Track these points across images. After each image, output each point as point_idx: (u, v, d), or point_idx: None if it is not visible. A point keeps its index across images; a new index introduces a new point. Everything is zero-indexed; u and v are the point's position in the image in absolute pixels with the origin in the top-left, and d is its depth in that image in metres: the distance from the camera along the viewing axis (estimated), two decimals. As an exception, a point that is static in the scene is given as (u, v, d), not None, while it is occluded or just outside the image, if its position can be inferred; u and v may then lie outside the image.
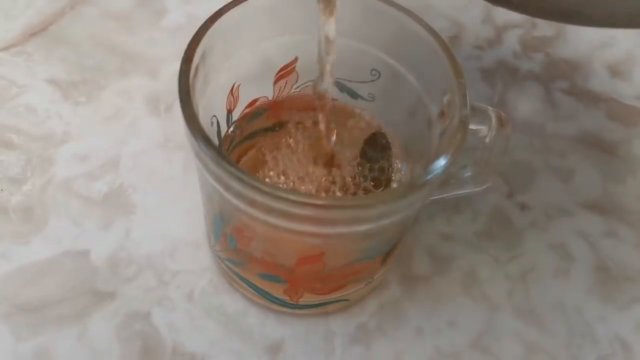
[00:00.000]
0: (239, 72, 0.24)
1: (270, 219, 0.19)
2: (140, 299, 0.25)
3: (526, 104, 0.33)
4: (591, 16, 0.18)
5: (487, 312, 0.26)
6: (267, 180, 0.24)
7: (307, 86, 0.26)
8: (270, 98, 0.26)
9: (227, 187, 0.19)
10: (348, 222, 0.19)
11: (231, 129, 0.25)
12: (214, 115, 0.23)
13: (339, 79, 0.25)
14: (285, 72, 0.25)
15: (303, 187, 0.24)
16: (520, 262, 0.28)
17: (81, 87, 0.31)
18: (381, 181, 0.25)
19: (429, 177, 0.19)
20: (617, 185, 0.31)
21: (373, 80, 0.25)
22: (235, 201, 0.19)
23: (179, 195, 0.28)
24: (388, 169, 0.25)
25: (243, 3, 0.22)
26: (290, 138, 0.25)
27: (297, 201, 0.18)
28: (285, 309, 0.25)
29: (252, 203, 0.19)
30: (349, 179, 0.25)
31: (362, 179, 0.25)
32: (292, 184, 0.24)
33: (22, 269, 0.26)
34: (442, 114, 0.21)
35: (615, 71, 0.35)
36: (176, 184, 0.28)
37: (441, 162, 0.19)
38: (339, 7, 0.20)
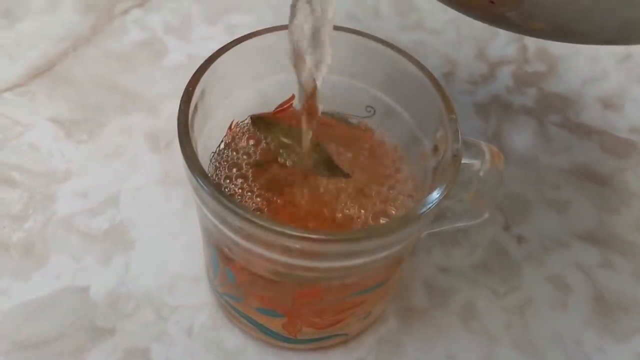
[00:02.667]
0: (238, 109, 0.24)
1: (267, 254, 0.19)
2: (139, 334, 0.25)
3: (520, 138, 0.34)
4: (582, 31, 0.19)
5: (485, 344, 0.26)
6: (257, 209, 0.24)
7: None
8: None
9: (224, 222, 0.19)
10: (344, 255, 0.20)
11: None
12: (213, 152, 0.24)
13: (337, 113, 0.26)
14: (283, 109, 0.26)
15: (302, 221, 0.24)
16: (517, 294, 0.28)
17: (83, 125, 0.32)
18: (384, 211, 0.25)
19: (423, 210, 0.19)
20: (612, 216, 0.31)
21: (369, 116, 0.25)
22: (232, 236, 0.19)
23: (178, 231, 0.28)
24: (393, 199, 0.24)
25: (240, 43, 0.22)
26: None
27: (293, 235, 0.18)
28: (284, 344, 0.25)
29: (249, 237, 0.19)
30: (349, 211, 0.25)
31: (363, 210, 0.25)
32: (290, 217, 0.24)
33: (22, 305, 0.26)
34: (435, 149, 0.22)
35: (607, 104, 0.36)
36: (175, 219, 0.29)
37: (435, 195, 0.20)
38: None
